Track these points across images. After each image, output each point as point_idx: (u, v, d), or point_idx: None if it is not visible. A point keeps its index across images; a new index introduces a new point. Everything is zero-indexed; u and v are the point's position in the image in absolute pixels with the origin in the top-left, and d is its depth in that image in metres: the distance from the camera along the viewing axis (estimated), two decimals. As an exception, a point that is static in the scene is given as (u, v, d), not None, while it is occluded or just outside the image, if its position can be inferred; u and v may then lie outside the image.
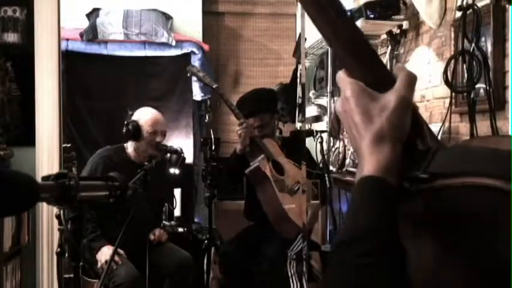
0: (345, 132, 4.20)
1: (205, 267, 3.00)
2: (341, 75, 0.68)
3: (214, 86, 3.03)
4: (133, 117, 2.95)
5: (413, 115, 0.65)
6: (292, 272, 2.82)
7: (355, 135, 0.66)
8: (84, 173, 2.88)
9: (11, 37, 2.83)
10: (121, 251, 2.73)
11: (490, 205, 0.52)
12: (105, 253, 2.71)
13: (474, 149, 0.63)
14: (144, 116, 2.95)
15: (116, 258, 2.68)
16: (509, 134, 2.34)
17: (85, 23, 4.59)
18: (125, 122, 2.93)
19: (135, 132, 2.90)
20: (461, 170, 0.55)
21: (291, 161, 3.03)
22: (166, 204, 3.69)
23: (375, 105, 0.64)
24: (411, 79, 0.66)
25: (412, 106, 0.66)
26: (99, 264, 2.71)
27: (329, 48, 4.07)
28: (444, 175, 0.56)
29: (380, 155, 0.62)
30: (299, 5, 3.89)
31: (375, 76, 0.67)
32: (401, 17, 3.65)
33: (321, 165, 3.04)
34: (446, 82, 2.52)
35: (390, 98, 0.64)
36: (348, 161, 3.98)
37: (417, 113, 0.66)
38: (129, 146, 2.98)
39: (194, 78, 4.62)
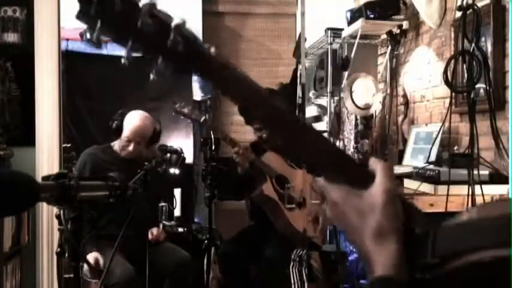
0: (344, 132, 4.21)
1: (205, 267, 3.00)
2: (322, 183, 0.69)
3: (201, 120, 3.01)
4: (124, 117, 2.93)
5: (401, 202, 0.66)
6: (294, 273, 2.82)
7: (356, 237, 0.67)
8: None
9: (11, 37, 2.83)
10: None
11: (506, 275, 0.53)
12: (90, 260, 2.70)
13: (471, 221, 0.63)
14: (128, 120, 2.91)
15: (101, 261, 2.68)
16: (510, 135, 2.34)
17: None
18: (112, 118, 2.93)
19: (115, 131, 2.91)
20: (466, 248, 0.56)
21: (293, 167, 3.02)
22: (166, 204, 3.69)
23: (364, 203, 0.65)
24: (389, 169, 0.67)
25: (398, 193, 0.67)
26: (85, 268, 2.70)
27: (329, 48, 4.07)
28: (454, 255, 0.57)
29: (385, 251, 0.62)
30: (299, 5, 3.89)
31: (354, 176, 0.68)
32: (401, 17, 3.65)
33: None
34: (446, 82, 2.52)
35: (376, 192, 0.65)
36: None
37: (404, 199, 0.67)
38: (116, 144, 2.99)
39: (194, 78, 4.64)
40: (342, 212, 0.67)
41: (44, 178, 1.09)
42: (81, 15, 0.57)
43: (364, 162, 0.69)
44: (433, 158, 2.74)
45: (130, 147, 2.89)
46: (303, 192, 2.94)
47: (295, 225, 2.90)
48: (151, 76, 0.63)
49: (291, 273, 2.82)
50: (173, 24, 0.57)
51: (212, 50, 0.60)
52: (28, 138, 2.73)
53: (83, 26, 0.58)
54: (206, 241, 3.05)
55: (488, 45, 2.58)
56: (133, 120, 2.90)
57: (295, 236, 2.91)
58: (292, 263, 2.83)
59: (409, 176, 2.73)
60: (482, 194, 2.28)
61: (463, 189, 2.32)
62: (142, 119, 2.91)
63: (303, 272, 2.80)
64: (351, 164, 0.69)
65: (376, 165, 0.68)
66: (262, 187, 2.95)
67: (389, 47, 3.88)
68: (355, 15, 3.77)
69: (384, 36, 3.99)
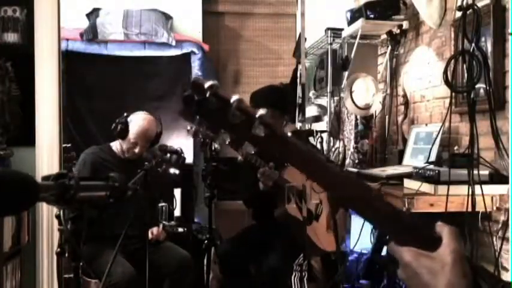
0: (344, 132, 4.20)
1: (205, 267, 3.00)
2: (393, 246, 0.75)
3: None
4: (128, 118, 2.96)
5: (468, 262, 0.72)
6: (295, 283, 2.82)
7: None
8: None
9: (11, 37, 2.83)
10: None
11: None
12: None
13: None
14: (136, 122, 2.95)
15: None
16: (510, 135, 2.34)
17: (85, 23, 4.58)
18: (116, 120, 2.96)
19: (121, 133, 2.94)
20: None
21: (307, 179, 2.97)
22: (166, 204, 3.69)
23: (434, 263, 0.71)
24: (455, 232, 0.74)
25: (465, 254, 0.72)
26: None
27: (329, 48, 4.07)
28: None
29: None
30: (299, 4, 3.88)
31: (423, 239, 0.74)
32: (401, 17, 3.65)
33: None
34: (446, 82, 2.51)
35: (446, 253, 0.71)
36: (348, 161, 3.98)
37: (470, 259, 0.73)
38: (116, 144, 3.03)
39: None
40: (414, 272, 0.73)
41: (44, 178, 1.09)
42: (183, 113, 0.70)
43: (430, 226, 0.76)
44: (433, 158, 2.74)
45: (137, 149, 2.96)
46: (320, 205, 2.91)
47: (314, 238, 2.87)
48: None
49: (292, 283, 2.81)
50: (257, 114, 0.69)
51: (289, 132, 0.72)
52: (28, 138, 2.73)
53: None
54: (206, 241, 3.04)
55: (488, 45, 2.57)
56: (141, 123, 2.97)
57: (313, 250, 2.88)
58: (294, 274, 2.82)
59: (409, 176, 2.73)
60: (482, 194, 2.28)
61: (463, 189, 2.32)
62: (149, 122, 2.99)
63: (304, 279, 2.80)
64: (420, 228, 0.75)
65: (442, 228, 0.75)
66: (287, 208, 2.87)
67: (389, 47, 3.88)
68: (355, 15, 3.77)
69: (384, 36, 3.99)
